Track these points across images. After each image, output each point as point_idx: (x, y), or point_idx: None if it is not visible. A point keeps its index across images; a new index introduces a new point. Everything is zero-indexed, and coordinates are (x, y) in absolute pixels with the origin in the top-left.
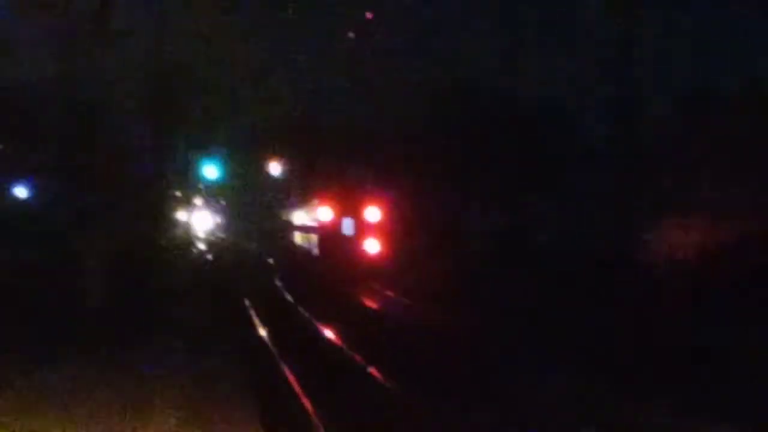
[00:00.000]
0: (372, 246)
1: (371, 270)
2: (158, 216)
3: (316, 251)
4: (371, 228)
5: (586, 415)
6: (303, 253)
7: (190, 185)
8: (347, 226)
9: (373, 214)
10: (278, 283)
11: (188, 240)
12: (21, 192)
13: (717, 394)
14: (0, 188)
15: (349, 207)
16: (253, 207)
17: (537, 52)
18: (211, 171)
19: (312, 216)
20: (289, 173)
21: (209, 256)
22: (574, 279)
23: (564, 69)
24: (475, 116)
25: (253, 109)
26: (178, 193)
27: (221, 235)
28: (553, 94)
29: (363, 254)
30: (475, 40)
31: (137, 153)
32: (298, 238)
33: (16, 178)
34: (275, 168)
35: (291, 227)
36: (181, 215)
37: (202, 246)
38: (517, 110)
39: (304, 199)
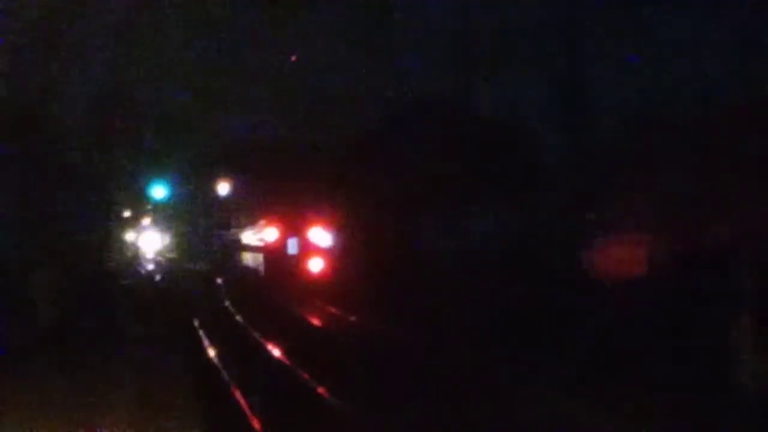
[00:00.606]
0: (316, 265)
1: (315, 287)
2: (106, 237)
3: (262, 270)
4: (315, 248)
5: None
6: (250, 272)
7: (139, 206)
8: (292, 246)
9: (316, 234)
10: (227, 302)
11: (136, 261)
12: None
13: None
14: None
15: (294, 227)
16: (201, 227)
17: (493, 69)
18: (159, 191)
19: (258, 236)
20: (236, 193)
21: (157, 277)
22: (515, 293)
23: (520, 87)
24: (428, 132)
25: (201, 128)
26: (126, 214)
27: (170, 255)
28: (509, 111)
29: (307, 273)
30: (432, 56)
31: (85, 174)
32: (245, 257)
33: None
34: (223, 188)
35: (238, 246)
36: (129, 236)
37: (150, 266)
38: (471, 127)
39: (251, 219)
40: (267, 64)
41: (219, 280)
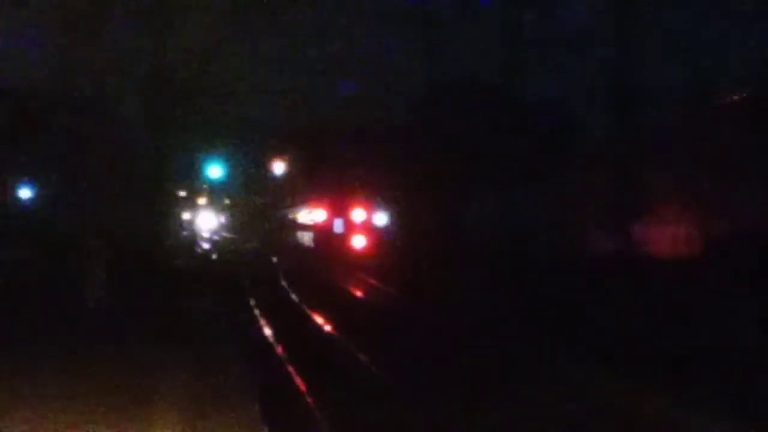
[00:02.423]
0: (359, 242)
1: (358, 262)
2: (162, 216)
3: (312, 247)
4: (358, 226)
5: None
6: (302, 248)
7: (195, 185)
8: (338, 225)
9: (358, 214)
10: (282, 281)
11: (193, 240)
12: (24, 193)
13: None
14: (3, 189)
15: (340, 208)
16: (256, 206)
17: (537, 50)
18: (215, 171)
19: (309, 216)
20: (289, 173)
21: (214, 256)
22: (558, 277)
23: (564, 67)
24: (472, 114)
25: (256, 109)
26: (182, 193)
27: (226, 234)
28: (553, 93)
29: (351, 249)
30: (475, 37)
31: (141, 153)
32: (297, 235)
33: (20, 179)
34: (278, 167)
35: (292, 225)
36: (185, 215)
37: (206, 245)
38: (516, 108)
39: (302, 198)
40: (310, 49)
41: (274, 259)
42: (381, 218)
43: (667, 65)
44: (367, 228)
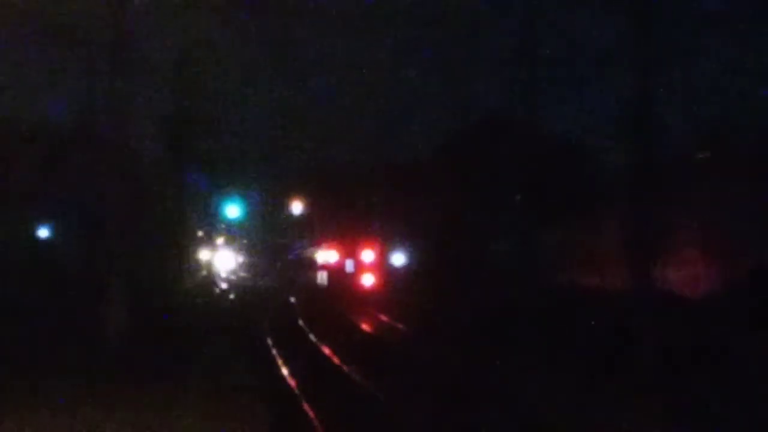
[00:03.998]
0: (368, 280)
1: (368, 298)
2: (181, 256)
3: (325, 283)
4: (367, 266)
5: None
6: (317, 286)
7: (213, 225)
8: (349, 265)
9: (368, 255)
10: (299, 320)
11: (211, 279)
12: (43, 232)
13: None
14: (25, 228)
15: (350, 250)
16: (273, 246)
17: (555, 87)
18: (233, 211)
19: (323, 255)
20: (308, 214)
21: (231, 296)
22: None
23: (583, 105)
24: (492, 152)
25: (274, 150)
26: (200, 233)
27: (243, 274)
28: (571, 129)
29: (361, 287)
30: (491, 75)
31: (161, 193)
32: (313, 274)
33: (40, 218)
34: (297, 207)
35: (308, 264)
36: (203, 254)
37: (224, 285)
38: (536, 146)
39: (317, 239)
40: (332, 86)
41: (292, 299)
42: (399, 258)
43: (690, 103)
44: (376, 267)
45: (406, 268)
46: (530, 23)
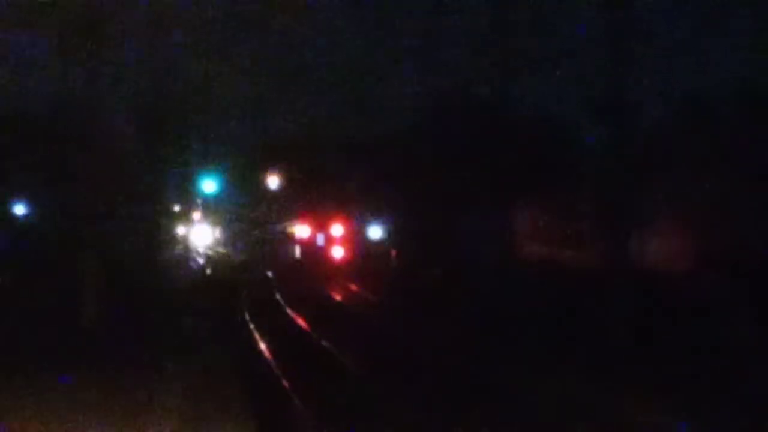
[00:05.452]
0: (337, 253)
1: (338, 270)
2: (157, 231)
3: (299, 257)
4: (336, 239)
5: None
6: (291, 260)
7: (189, 199)
8: (320, 239)
9: (337, 229)
10: (277, 295)
11: (188, 255)
12: (19, 209)
13: None
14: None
15: (321, 224)
16: (249, 220)
17: (531, 63)
18: (209, 186)
19: (297, 231)
20: (283, 188)
21: (208, 271)
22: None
23: (558, 78)
24: (467, 128)
25: (252, 122)
26: (176, 208)
27: (221, 249)
28: (547, 104)
29: (331, 259)
30: (468, 51)
31: (135, 169)
32: (287, 248)
33: (15, 195)
34: (273, 182)
35: (285, 239)
36: (180, 230)
37: (201, 260)
38: (510, 121)
39: (291, 214)
40: (306, 62)
41: (269, 273)
42: (376, 231)
43: (663, 73)
44: (346, 241)
45: (383, 241)
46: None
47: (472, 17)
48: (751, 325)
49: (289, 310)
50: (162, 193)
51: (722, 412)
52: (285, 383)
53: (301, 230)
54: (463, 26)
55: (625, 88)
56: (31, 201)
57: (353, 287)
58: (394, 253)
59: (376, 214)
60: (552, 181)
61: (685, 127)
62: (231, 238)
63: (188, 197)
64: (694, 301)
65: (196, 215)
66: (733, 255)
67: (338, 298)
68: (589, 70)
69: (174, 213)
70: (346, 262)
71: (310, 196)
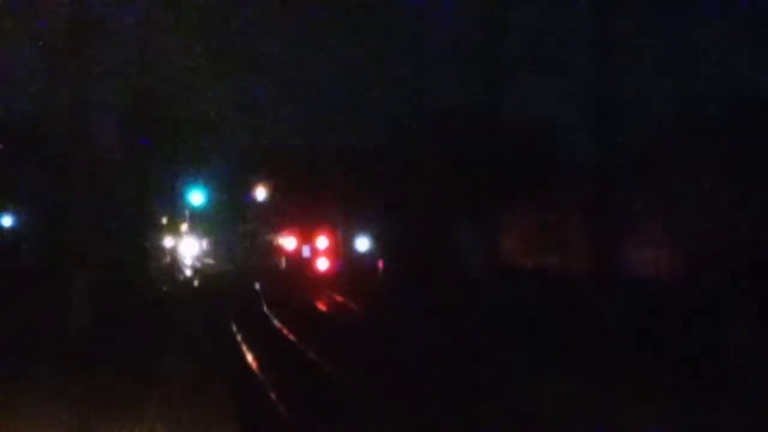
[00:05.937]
0: (322, 264)
1: (323, 282)
2: (145, 243)
3: (285, 268)
4: (322, 251)
5: None
6: (278, 271)
7: (176, 211)
8: (305, 251)
9: (322, 241)
10: (265, 308)
11: (175, 267)
12: (6, 221)
13: None
14: None
15: (307, 236)
16: (236, 232)
17: (520, 70)
18: (196, 197)
19: (283, 243)
20: (270, 200)
21: (196, 282)
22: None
23: (549, 89)
24: (454, 137)
25: (236, 137)
26: (164, 220)
27: (208, 260)
28: (537, 112)
29: (316, 271)
30: (458, 63)
31: (122, 180)
32: (274, 259)
33: (2, 207)
34: (260, 194)
35: (272, 250)
36: (167, 241)
37: (188, 272)
38: (498, 131)
39: (277, 225)
40: (294, 73)
41: (256, 285)
42: (363, 243)
43: (650, 84)
44: (331, 253)
45: (371, 253)
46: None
47: (462, 24)
48: (742, 332)
49: (276, 322)
50: (149, 205)
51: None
52: (272, 393)
53: (288, 242)
54: (454, 33)
55: (616, 96)
56: (17, 211)
57: (339, 298)
58: (380, 264)
59: (363, 226)
60: (541, 189)
61: (675, 134)
62: (219, 250)
63: (176, 209)
64: (683, 308)
65: (184, 227)
66: (724, 262)
67: (324, 309)
68: (579, 78)
69: (161, 225)
70: (331, 274)
71: (297, 208)
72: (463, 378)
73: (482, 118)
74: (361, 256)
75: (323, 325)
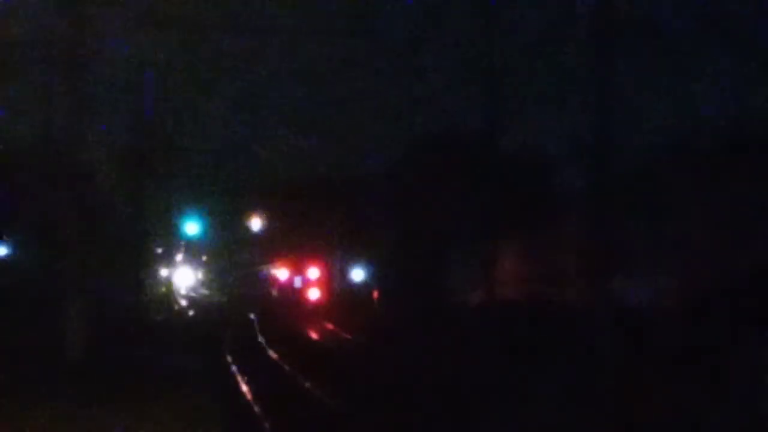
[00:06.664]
0: (313, 294)
1: (313, 310)
2: (140, 273)
3: (279, 298)
4: (312, 282)
5: None
6: (271, 301)
7: (172, 241)
8: (297, 281)
9: (314, 272)
10: (259, 338)
11: (171, 296)
12: (1, 250)
13: None
14: None
15: (299, 267)
16: (230, 263)
17: (517, 101)
18: (192, 227)
19: (276, 273)
20: (265, 231)
21: (191, 312)
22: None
23: (544, 118)
24: (451, 168)
25: (232, 168)
26: (159, 250)
27: (203, 291)
28: (533, 148)
29: (307, 300)
30: (455, 92)
31: (118, 210)
32: (270, 289)
33: None
34: (255, 224)
35: (265, 281)
36: (163, 272)
37: (183, 302)
38: (495, 163)
39: (274, 257)
40: (290, 99)
41: (251, 315)
42: (358, 273)
43: (646, 115)
44: (322, 283)
45: (366, 283)
46: (490, 37)
47: (457, 53)
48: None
49: (271, 352)
50: (144, 235)
51: None
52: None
53: (280, 273)
54: (449, 62)
55: (610, 128)
56: (11, 240)
57: (331, 326)
58: (376, 294)
59: (358, 256)
60: (536, 220)
61: (669, 167)
62: (213, 280)
63: (171, 239)
64: (675, 340)
65: (179, 257)
66: (717, 295)
67: (317, 337)
68: (575, 108)
69: (156, 254)
70: (322, 304)
71: (290, 239)
72: (446, 407)
73: (477, 148)
74: (357, 286)
75: (318, 357)
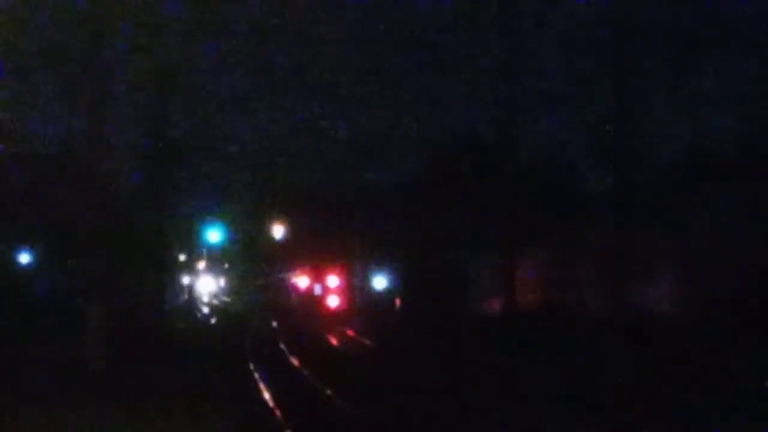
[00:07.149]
0: (332, 301)
1: (332, 317)
2: (162, 281)
3: (300, 306)
4: (332, 290)
5: None
6: (294, 308)
7: (194, 249)
8: (317, 289)
9: (333, 280)
10: (282, 346)
11: (192, 304)
12: (24, 258)
13: None
14: (3, 254)
15: (319, 275)
16: (251, 270)
17: (536, 109)
18: (214, 235)
19: (297, 281)
20: (287, 238)
21: (213, 320)
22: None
23: (564, 130)
24: (472, 175)
25: (256, 174)
26: (182, 258)
27: (225, 298)
28: (552, 155)
29: (327, 308)
30: (471, 97)
31: (140, 218)
32: (291, 297)
33: (19, 244)
34: (277, 232)
35: (286, 288)
36: (185, 279)
37: (206, 309)
38: (513, 171)
39: (295, 265)
40: (312, 108)
41: (274, 323)
42: (380, 281)
43: (667, 124)
44: (342, 291)
45: (389, 291)
46: (512, 45)
47: (476, 62)
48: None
49: (292, 359)
50: (167, 242)
51: None
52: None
53: (300, 280)
54: (468, 71)
55: (630, 137)
56: (34, 248)
57: (351, 333)
58: (398, 302)
59: (380, 264)
60: (557, 227)
61: (688, 176)
62: (235, 288)
63: (193, 247)
64: (696, 347)
65: (201, 264)
66: (735, 301)
67: (337, 344)
68: (595, 117)
69: (179, 262)
70: (341, 311)
71: (310, 246)
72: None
73: (497, 157)
74: (378, 294)
75: (339, 364)
